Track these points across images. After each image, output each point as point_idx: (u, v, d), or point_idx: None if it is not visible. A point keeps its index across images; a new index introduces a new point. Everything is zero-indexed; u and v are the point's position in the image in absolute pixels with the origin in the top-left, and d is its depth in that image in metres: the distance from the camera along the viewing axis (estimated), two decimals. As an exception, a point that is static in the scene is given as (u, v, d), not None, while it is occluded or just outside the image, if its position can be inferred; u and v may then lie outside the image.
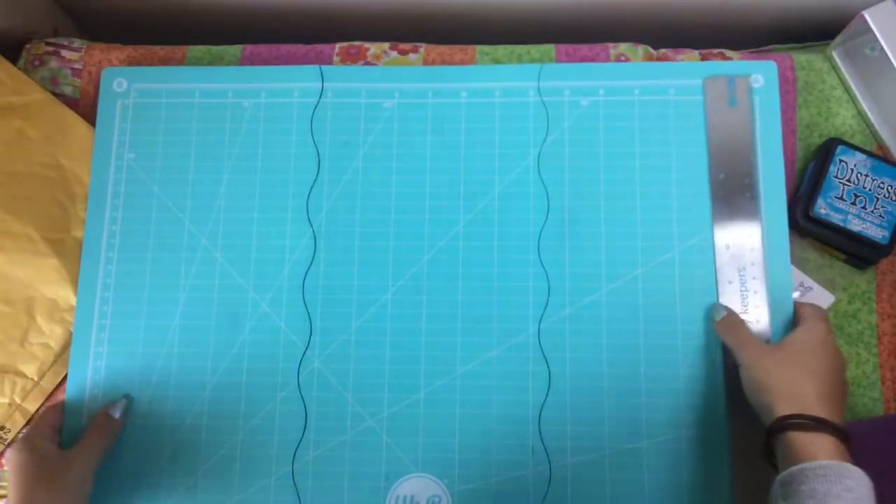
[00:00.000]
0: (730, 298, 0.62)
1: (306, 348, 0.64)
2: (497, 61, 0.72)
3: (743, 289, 0.62)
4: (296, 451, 0.62)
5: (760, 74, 0.66)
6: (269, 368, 0.64)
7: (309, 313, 0.64)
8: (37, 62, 0.73)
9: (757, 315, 0.61)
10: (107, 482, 0.63)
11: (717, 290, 0.62)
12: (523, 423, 0.61)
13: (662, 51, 0.72)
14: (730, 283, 0.62)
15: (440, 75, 0.68)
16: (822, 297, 0.64)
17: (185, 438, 0.63)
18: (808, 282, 0.65)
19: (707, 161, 0.65)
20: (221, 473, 0.62)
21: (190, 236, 0.66)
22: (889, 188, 0.65)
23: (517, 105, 0.66)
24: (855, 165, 0.65)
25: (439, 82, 0.68)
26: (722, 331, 0.60)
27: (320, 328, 0.64)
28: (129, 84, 0.69)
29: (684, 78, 0.66)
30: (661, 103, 0.66)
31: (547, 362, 0.62)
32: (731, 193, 0.64)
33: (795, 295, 0.63)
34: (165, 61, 0.73)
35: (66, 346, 0.66)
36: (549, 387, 0.61)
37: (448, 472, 0.61)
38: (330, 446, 0.62)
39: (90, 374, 0.65)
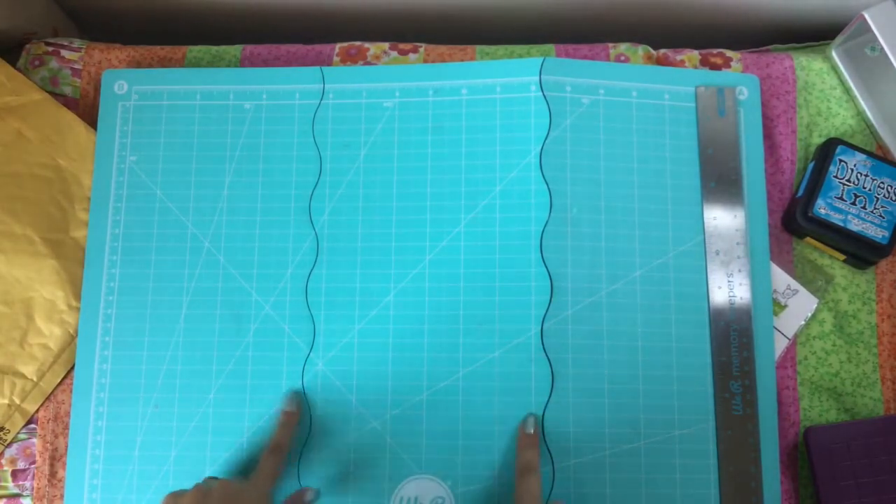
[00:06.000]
0: (719, 303, 0.63)
1: (310, 351, 0.64)
2: (497, 61, 0.71)
3: (731, 295, 0.63)
4: (301, 453, 0.62)
5: (745, 87, 0.67)
6: (274, 371, 0.64)
7: (312, 316, 0.64)
8: (37, 62, 0.73)
9: None
10: (114, 485, 0.63)
11: (708, 295, 0.63)
12: (527, 424, 0.61)
13: (662, 51, 0.72)
14: (719, 288, 0.63)
15: (441, 72, 0.68)
16: (807, 301, 0.65)
17: (191, 441, 0.63)
18: (795, 284, 0.65)
19: (699, 169, 0.65)
20: (228, 475, 0.62)
21: (193, 239, 0.66)
22: (889, 188, 0.65)
23: (518, 101, 0.66)
24: (855, 165, 0.65)
25: (440, 80, 0.67)
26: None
27: (324, 330, 0.64)
28: (129, 86, 0.69)
29: (678, 84, 0.67)
30: (657, 107, 0.66)
31: (550, 363, 0.62)
32: (721, 202, 0.64)
33: (781, 297, 0.64)
34: (165, 61, 0.72)
35: (64, 347, 0.66)
36: (552, 388, 0.61)
37: (451, 473, 0.61)
38: (334, 448, 0.62)
39: (96, 377, 0.65)
